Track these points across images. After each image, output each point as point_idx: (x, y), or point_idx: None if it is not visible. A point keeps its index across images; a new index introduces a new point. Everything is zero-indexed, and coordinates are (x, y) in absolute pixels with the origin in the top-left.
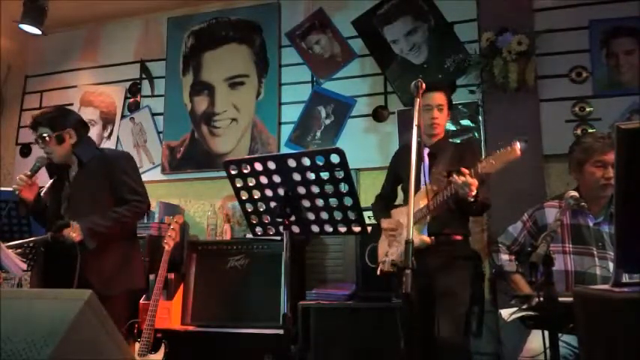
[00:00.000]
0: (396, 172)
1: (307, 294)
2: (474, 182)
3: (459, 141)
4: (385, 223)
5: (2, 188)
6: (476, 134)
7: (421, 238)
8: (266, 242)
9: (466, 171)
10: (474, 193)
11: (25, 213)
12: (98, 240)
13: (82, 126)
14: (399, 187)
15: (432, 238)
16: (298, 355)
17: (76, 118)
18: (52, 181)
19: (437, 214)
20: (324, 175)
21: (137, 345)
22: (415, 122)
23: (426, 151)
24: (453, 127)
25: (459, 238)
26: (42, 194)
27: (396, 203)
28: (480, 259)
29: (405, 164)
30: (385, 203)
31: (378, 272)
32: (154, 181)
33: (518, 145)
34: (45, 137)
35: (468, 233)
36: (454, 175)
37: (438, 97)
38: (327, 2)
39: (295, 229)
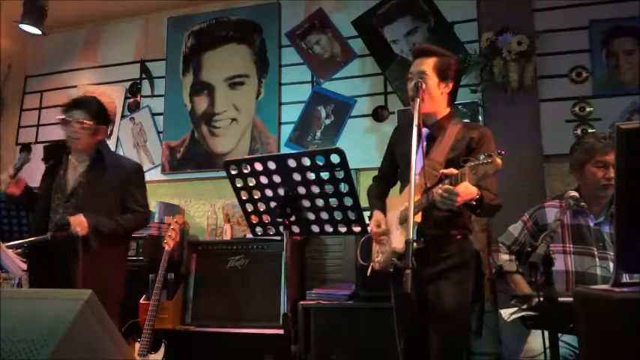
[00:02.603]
0: (392, 152)
1: (307, 294)
2: (458, 193)
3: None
4: (373, 226)
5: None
6: None
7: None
8: (266, 242)
9: (446, 187)
10: (461, 203)
11: (13, 205)
12: (100, 240)
13: (108, 127)
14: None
15: (421, 239)
16: (298, 355)
17: (111, 120)
18: (46, 167)
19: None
20: (324, 175)
21: (137, 345)
22: (415, 122)
23: (425, 132)
24: None
25: (458, 237)
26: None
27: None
28: (479, 259)
29: (400, 143)
30: (382, 188)
31: (368, 273)
32: (154, 181)
33: (499, 159)
34: (82, 121)
35: (469, 231)
36: (434, 189)
37: (421, 64)
38: (327, 2)
39: (295, 229)
